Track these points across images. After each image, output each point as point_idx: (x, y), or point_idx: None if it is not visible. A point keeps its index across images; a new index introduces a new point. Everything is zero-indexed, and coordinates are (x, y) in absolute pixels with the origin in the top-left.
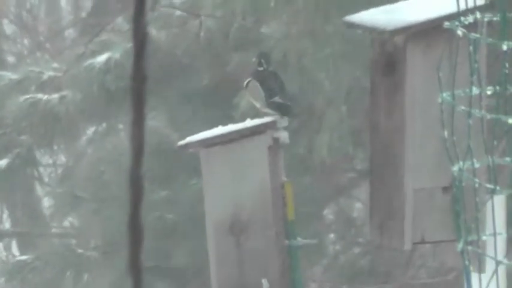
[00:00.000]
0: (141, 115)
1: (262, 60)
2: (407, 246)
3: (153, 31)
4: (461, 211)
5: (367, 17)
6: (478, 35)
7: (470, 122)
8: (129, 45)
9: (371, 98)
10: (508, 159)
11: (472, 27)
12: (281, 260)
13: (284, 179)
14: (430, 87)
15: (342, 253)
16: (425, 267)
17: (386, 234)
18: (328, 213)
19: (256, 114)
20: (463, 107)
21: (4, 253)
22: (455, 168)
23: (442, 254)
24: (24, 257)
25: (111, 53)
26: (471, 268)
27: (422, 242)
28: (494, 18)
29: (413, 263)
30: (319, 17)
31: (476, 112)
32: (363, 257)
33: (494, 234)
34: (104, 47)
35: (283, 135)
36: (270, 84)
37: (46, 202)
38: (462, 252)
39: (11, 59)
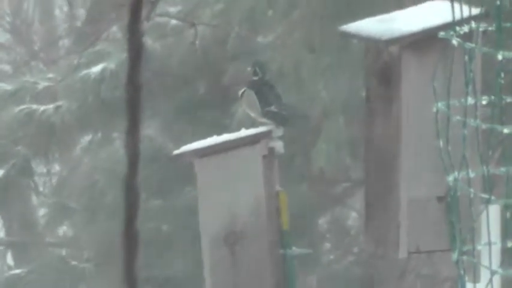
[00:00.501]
0: (136, 124)
1: (258, 70)
2: (403, 255)
3: (148, 40)
4: (456, 221)
5: (363, 27)
6: (473, 45)
7: (465, 131)
8: (124, 55)
9: (366, 108)
10: (503, 169)
11: (467, 36)
12: (276, 269)
13: (279, 188)
14: (425, 97)
15: (337, 262)
16: (420, 277)
17: (382, 244)
18: (323, 223)
19: (252, 123)
20: (458, 117)
21: None
22: (450, 177)
23: (437, 263)
24: (18, 271)
25: (106, 63)
26: (466, 278)
27: (418, 251)
28: (490, 28)
29: (408, 272)
30: (316, 27)
31: (471, 122)
32: (358, 266)
33: (489, 244)
34: (99, 57)
35: (278, 145)
36: (265, 93)
37: (41, 212)
38: (457, 261)
39: (5, 67)
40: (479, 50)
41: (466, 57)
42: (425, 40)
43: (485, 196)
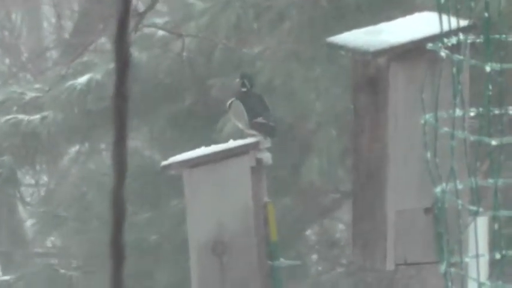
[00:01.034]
0: (123, 135)
1: (246, 81)
2: (390, 267)
3: (135, 52)
4: (444, 232)
5: (350, 38)
6: (461, 57)
7: (453, 143)
8: (111, 65)
9: (354, 119)
10: (491, 180)
11: (455, 48)
12: (264, 281)
13: (267, 199)
14: (412, 109)
15: (325, 274)
16: None
17: (369, 255)
18: (311, 234)
19: (240, 135)
20: (446, 129)
21: None
22: (437, 189)
23: (425, 275)
24: (7, 277)
25: (92, 74)
26: None
27: (405, 263)
28: (478, 40)
29: (396, 284)
30: (305, 39)
31: (459, 133)
32: (345, 277)
33: (477, 256)
34: (86, 68)
35: (266, 156)
36: (253, 104)
37: (29, 222)
38: (445, 274)
39: None
40: (467, 62)
41: (454, 69)
42: (413, 52)
43: (473, 208)
